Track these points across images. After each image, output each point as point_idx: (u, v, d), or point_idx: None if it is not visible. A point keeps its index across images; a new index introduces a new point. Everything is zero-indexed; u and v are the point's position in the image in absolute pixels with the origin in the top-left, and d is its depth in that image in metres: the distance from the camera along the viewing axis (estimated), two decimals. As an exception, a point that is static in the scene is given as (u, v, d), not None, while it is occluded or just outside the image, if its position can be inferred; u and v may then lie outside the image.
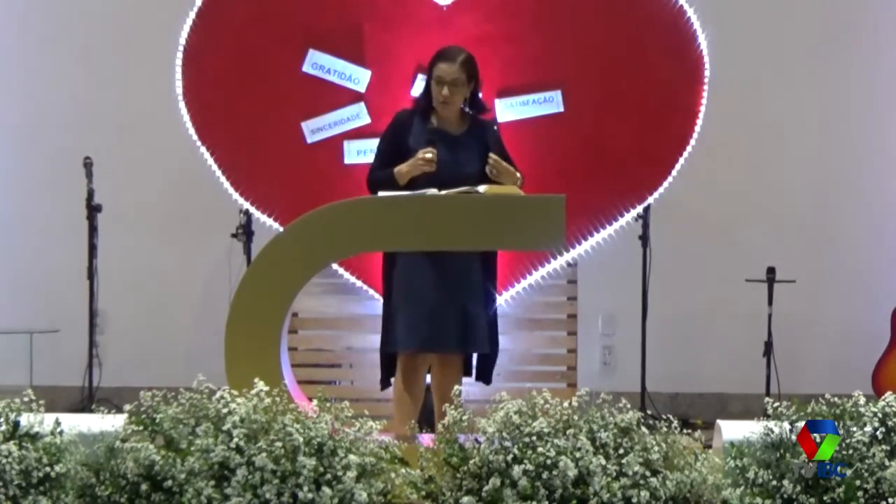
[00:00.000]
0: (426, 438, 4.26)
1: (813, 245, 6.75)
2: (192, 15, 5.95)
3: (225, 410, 3.85)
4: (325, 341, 6.15)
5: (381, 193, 4.75)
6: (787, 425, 3.96)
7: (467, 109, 5.03)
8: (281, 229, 5.54)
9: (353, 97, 5.98)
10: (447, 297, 4.86)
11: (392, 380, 5.02)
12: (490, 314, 5.02)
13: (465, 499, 3.76)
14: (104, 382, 6.42)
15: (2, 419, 3.91)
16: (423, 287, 4.85)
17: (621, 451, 3.86)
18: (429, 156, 4.80)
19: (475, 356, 5.07)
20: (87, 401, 6.12)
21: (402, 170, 4.84)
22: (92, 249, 6.07)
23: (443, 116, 4.98)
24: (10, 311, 6.68)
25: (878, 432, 3.96)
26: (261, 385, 3.91)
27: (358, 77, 5.98)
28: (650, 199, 6.06)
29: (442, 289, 4.86)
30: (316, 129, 5.98)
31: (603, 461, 3.80)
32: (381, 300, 5.07)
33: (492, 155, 4.87)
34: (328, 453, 3.77)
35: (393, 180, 4.84)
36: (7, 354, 6.52)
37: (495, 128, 5.25)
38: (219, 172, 5.99)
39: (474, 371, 5.09)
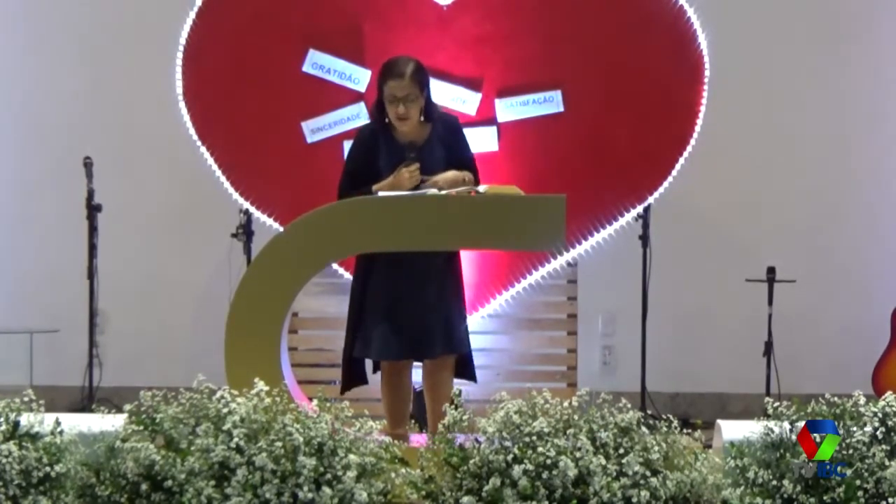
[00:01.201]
0: (419, 438, 4.26)
1: (813, 245, 6.75)
2: (192, 15, 5.96)
3: (225, 410, 3.85)
4: (325, 341, 6.15)
5: (381, 194, 4.73)
6: (787, 425, 3.96)
7: (422, 119, 4.88)
8: (281, 229, 5.54)
9: (353, 97, 5.99)
10: (425, 302, 4.82)
11: (370, 379, 5.00)
12: (464, 314, 5.01)
13: (465, 499, 3.76)
14: (104, 382, 6.41)
15: (2, 419, 3.92)
16: (401, 293, 4.80)
17: (621, 451, 3.86)
18: (415, 171, 4.72)
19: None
20: (87, 401, 6.12)
21: (384, 188, 4.73)
22: (92, 249, 6.06)
23: (401, 131, 4.87)
24: (10, 311, 6.68)
25: (878, 432, 3.96)
26: (261, 385, 3.91)
27: (358, 77, 5.98)
28: (650, 199, 6.06)
29: (419, 293, 4.81)
30: (316, 129, 5.99)
31: (603, 461, 3.80)
32: (350, 303, 4.96)
33: (432, 180, 4.75)
34: (328, 453, 3.78)
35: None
36: (7, 354, 6.51)
37: (456, 124, 5.07)
38: (219, 172, 5.99)
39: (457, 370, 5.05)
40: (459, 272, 5.01)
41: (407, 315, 4.80)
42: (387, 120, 4.86)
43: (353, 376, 4.97)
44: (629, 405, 3.98)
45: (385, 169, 4.81)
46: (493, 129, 5.95)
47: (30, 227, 6.84)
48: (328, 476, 3.74)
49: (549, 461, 3.76)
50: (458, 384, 4.95)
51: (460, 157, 4.91)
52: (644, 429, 3.95)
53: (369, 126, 4.99)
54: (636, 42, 5.98)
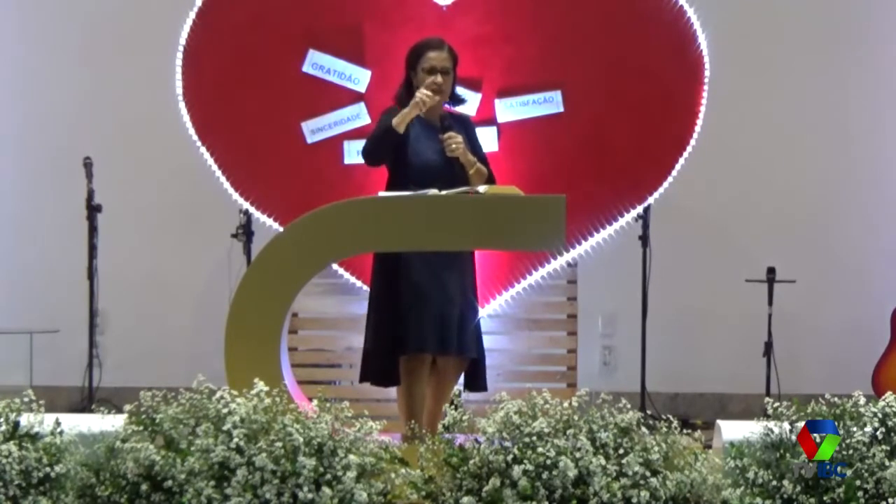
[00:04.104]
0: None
1: (813, 245, 6.76)
2: (192, 15, 5.96)
3: (225, 410, 3.85)
4: (325, 341, 6.15)
5: (381, 194, 4.74)
6: (787, 425, 3.96)
7: (448, 101, 5.02)
8: (281, 229, 5.54)
9: (353, 97, 5.99)
10: (451, 299, 4.85)
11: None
12: (477, 318, 5.02)
13: (465, 499, 3.76)
14: (104, 382, 6.42)
15: (2, 419, 3.92)
16: (434, 287, 4.82)
17: (621, 451, 3.86)
18: (430, 90, 4.79)
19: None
20: (87, 401, 6.13)
21: (404, 112, 4.79)
22: (92, 249, 6.07)
23: (433, 107, 4.93)
24: (10, 311, 6.68)
25: (878, 432, 3.96)
26: (261, 385, 3.91)
27: (358, 77, 5.98)
28: (650, 200, 6.06)
29: (447, 290, 4.85)
30: (316, 129, 5.98)
31: (603, 461, 3.80)
32: (375, 300, 4.96)
33: (456, 137, 4.86)
34: (328, 453, 3.78)
35: (389, 132, 4.80)
36: (7, 354, 6.52)
37: (470, 121, 5.24)
38: (219, 172, 5.99)
39: (464, 379, 5.02)
40: (474, 278, 5.06)
41: (439, 309, 4.81)
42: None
43: (388, 373, 4.91)
44: (629, 405, 3.98)
45: (412, 144, 4.88)
46: (493, 129, 5.96)
47: (30, 227, 6.84)
48: (328, 476, 3.74)
49: (548, 461, 3.76)
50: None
51: (475, 152, 4.99)
52: (644, 429, 3.95)
53: (394, 109, 5.01)
54: (636, 42, 5.98)
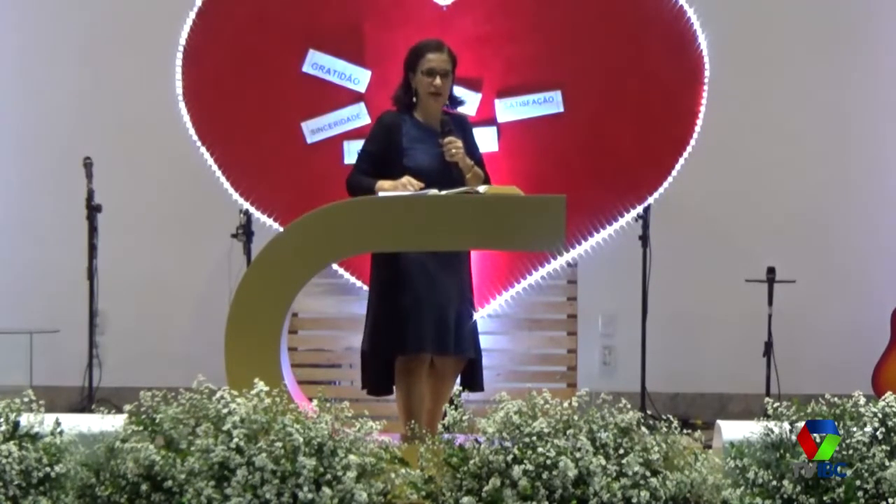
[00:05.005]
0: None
1: (813, 245, 6.76)
2: (192, 15, 5.96)
3: (225, 411, 3.85)
4: (325, 341, 6.15)
5: (381, 194, 4.74)
6: (787, 425, 3.97)
7: (447, 103, 5.00)
8: (281, 229, 5.54)
9: (353, 97, 5.99)
10: (449, 300, 4.85)
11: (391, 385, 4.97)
12: (473, 318, 5.02)
13: (465, 499, 3.76)
14: (104, 382, 6.42)
15: (2, 419, 3.92)
16: (432, 288, 4.82)
17: (621, 451, 3.86)
18: (459, 143, 4.81)
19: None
20: (87, 401, 6.12)
21: (385, 187, 4.79)
22: (92, 249, 6.06)
23: (431, 109, 4.94)
24: (10, 311, 6.68)
25: (878, 432, 3.96)
26: (261, 385, 3.91)
27: (358, 77, 5.98)
28: (650, 200, 6.06)
29: (444, 291, 4.85)
30: (316, 129, 5.99)
31: (603, 461, 3.80)
32: (374, 302, 4.95)
33: (456, 142, 4.85)
34: (328, 453, 3.78)
35: (369, 192, 4.80)
36: (7, 354, 6.51)
37: (468, 121, 5.21)
38: (219, 172, 5.99)
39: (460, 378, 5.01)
40: (471, 278, 5.06)
41: (437, 309, 4.80)
42: (413, 99, 4.94)
43: (387, 379, 4.92)
44: (629, 405, 3.98)
45: (409, 148, 4.87)
46: (493, 129, 5.96)
47: (30, 227, 6.84)
48: (328, 476, 3.74)
49: (548, 461, 3.76)
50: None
51: (472, 154, 4.97)
52: (644, 429, 3.95)
53: (390, 112, 5.02)
54: (636, 42, 5.98)
